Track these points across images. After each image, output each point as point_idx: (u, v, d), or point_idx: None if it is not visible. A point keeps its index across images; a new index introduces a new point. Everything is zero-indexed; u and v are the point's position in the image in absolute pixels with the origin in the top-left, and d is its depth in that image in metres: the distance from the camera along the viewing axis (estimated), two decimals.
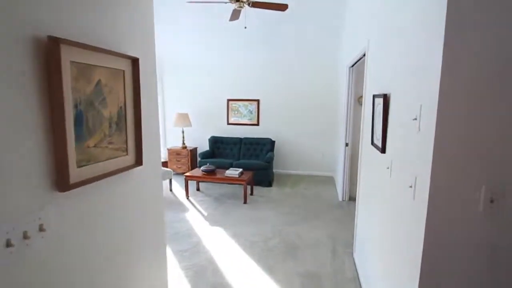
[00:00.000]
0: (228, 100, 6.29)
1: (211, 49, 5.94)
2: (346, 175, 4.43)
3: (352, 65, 4.01)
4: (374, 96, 2.07)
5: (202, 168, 4.68)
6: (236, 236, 3.34)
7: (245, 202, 4.39)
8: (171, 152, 6.09)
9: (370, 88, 2.44)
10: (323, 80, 5.82)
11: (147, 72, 1.50)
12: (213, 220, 3.77)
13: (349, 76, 4.21)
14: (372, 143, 2.11)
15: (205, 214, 3.99)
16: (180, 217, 3.88)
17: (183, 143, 6.19)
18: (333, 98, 5.79)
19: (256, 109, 6.19)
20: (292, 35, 5.34)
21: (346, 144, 4.36)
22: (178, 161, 6.09)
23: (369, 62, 2.53)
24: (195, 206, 4.28)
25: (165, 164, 6.31)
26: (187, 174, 4.64)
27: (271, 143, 5.78)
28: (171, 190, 5.02)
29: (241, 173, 4.57)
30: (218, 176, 4.54)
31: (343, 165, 4.43)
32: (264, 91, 6.11)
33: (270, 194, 4.84)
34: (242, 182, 4.37)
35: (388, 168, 1.70)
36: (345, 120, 4.32)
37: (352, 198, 4.52)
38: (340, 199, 4.56)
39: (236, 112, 6.30)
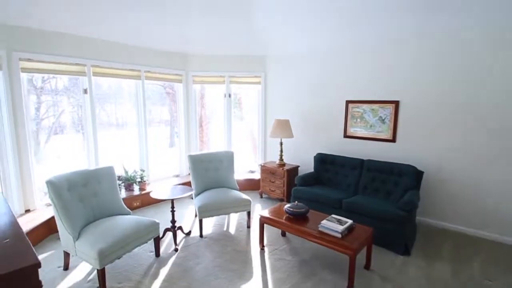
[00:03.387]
0: (348, 102, 4.28)
1: (323, 31, 4.11)
2: None
3: None
4: None
5: (286, 207, 2.97)
6: None
7: (350, 287, 2.38)
8: (264, 169, 4.70)
9: None
10: None
11: None
12: None
13: None
14: None
15: None
16: None
17: (281, 159, 4.68)
18: None
19: (392, 116, 3.89)
20: None
21: None
22: (272, 182, 4.63)
23: None
24: (264, 271, 2.65)
25: (256, 184, 4.99)
26: (263, 213, 3.05)
27: (416, 174, 3.38)
28: (248, 227, 3.60)
29: (350, 230, 2.57)
30: (308, 226, 2.69)
31: None
32: (406, 87, 3.74)
33: (403, 275, 2.57)
34: (348, 252, 2.37)
35: None
36: None
37: None
38: None
39: (358, 120, 4.22)
